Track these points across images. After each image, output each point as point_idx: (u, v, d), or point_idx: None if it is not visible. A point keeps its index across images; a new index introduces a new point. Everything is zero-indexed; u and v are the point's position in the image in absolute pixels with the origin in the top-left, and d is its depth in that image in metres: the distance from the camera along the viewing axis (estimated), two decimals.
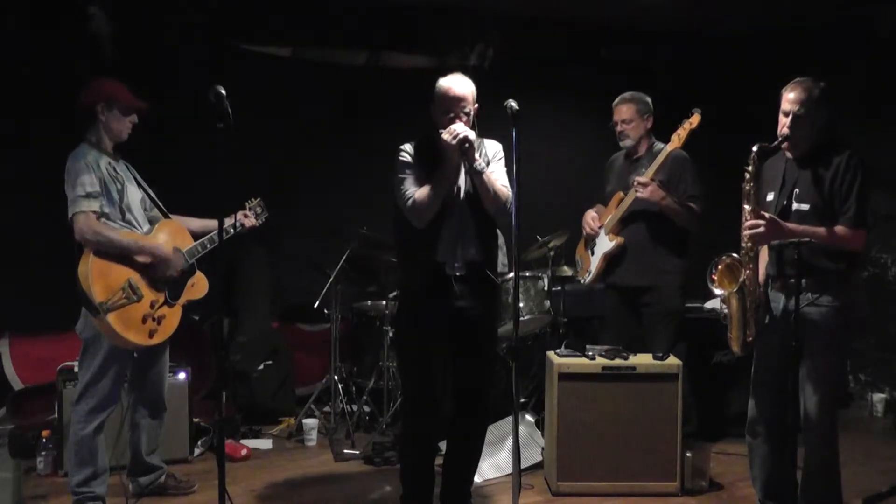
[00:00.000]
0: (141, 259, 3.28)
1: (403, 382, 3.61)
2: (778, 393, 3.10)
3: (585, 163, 5.65)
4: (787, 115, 3.03)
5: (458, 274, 3.15)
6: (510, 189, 3.12)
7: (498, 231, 4.94)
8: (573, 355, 3.77)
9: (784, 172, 3.14)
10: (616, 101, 4.12)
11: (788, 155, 3.13)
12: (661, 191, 3.88)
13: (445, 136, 3.00)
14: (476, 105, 3.14)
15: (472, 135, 3.01)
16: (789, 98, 3.03)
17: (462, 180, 3.17)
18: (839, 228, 2.95)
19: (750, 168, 3.04)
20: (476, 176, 3.08)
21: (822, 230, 2.94)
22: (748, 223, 3.01)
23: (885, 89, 5.24)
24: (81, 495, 3.30)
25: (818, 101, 3.00)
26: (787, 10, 5.39)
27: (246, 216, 3.72)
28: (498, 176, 3.17)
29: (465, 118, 3.07)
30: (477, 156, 3.07)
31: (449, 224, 3.13)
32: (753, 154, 3.04)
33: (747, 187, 3.05)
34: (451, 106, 3.06)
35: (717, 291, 3.12)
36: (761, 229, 2.96)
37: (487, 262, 3.22)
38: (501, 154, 3.25)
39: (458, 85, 3.09)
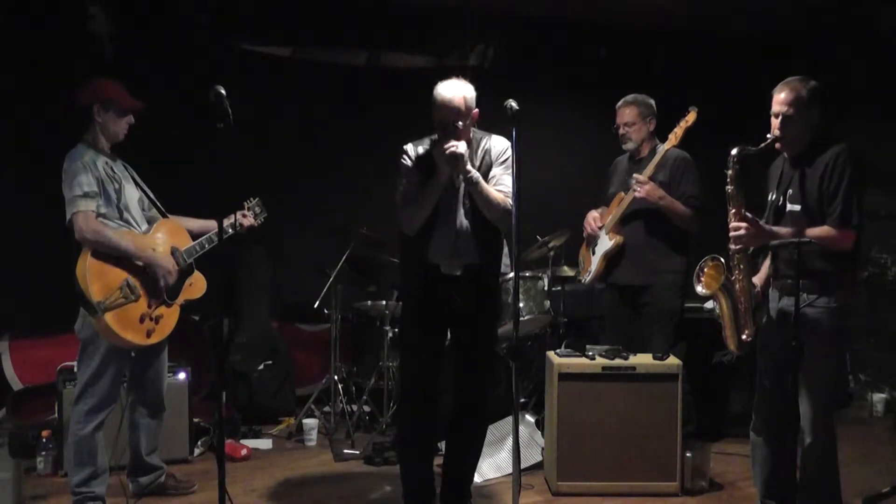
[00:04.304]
0: (138, 263, 3.29)
1: (401, 382, 3.61)
2: (778, 392, 3.11)
3: (585, 163, 5.67)
4: (777, 116, 3.03)
5: (456, 274, 3.14)
6: (509, 193, 3.08)
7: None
8: (573, 355, 3.77)
9: (782, 172, 3.15)
10: (619, 103, 4.12)
11: (786, 155, 3.13)
12: (660, 190, 3.88)
13: (436, 151, 3.02)
14: (476, 110, 3.12)
15: (461, 148, 2.98)
16: (778, 99, 3.02)
17: (459, 188, 3.15)
18: (824, 229, 2.93)
19: (730, 172, 3.05)
20: (471, 186, 3.08)
21: (808, 232, 2.93)
22: (731, 226, 3.04)
23: (885, 89, 5.24)
24: (81, 495, 3.29)
25: (808, 100, 2.98)
26: (788, 10, 5.39)
27: (244, 216, 3.71)
28: (499, 180, 3.14)
29: (458, 130, 3.04)
30: (469, 167, 3.05)
31: (446, 226, 3.13)
32: (733, 157, 3.05)
33: (729, 190, 3.06)
34: (444, 118, 3.04)
35: (702, 291, 3.16)
36: (742, 231, 2.99)
37: (487, 264, 3.21)
38: (506, 155, 3.18)
39: (452, 95, 3.04)
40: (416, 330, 3.23)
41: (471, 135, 3.17)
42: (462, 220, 3.15)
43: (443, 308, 3.17)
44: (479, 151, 3.19)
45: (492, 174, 3.16)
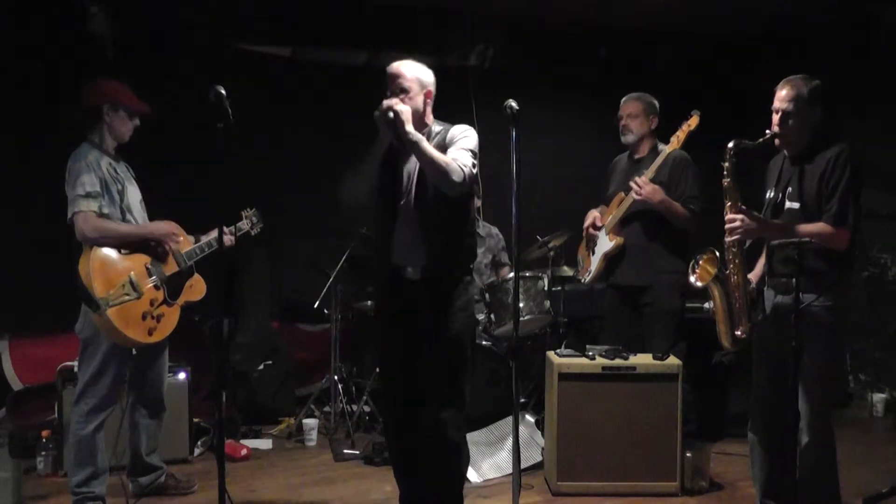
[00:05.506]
0: (144, 243, 3.31)
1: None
2: (775, 392, 3.10)
3: (585, 163, 5.66)
4: (777, 112, 3.05)
5: (418, 278, 3.03)
6: (464, 163, 2.96)
7: (495, 231, 4.99)
8: (573, 355, 3.77)
9: (781, 170, 3.16)
10: (624, 98, 4.14)
11: (786, 152, 3.14)
12: (659, 192, 3.88)
13: (376, 115, 2.92)
14: (429, 90, 3.09)
15: (399, 106, 2.90)
16: (780, 95, 3.04)
17: (412, 182, 3.05)
18: (819, 225, 2.94)
19: (726, 165, 3.07)
20: (413, 147, 2.93)
21: (803, 227, 2.94)
22: (726, 219, 3.05)
23: (885, 89, 5.23)
24: (81, 495, 3.30)
25: (809, 99, 3.00)
26: (787, 9, 5.39)
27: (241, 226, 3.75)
28: (454, 155, 2.98)
29: (401, 94, 3.00)
30: (411, 128, 2.91)
31: (401, 227, 3.03)
32: (730, 150, 3.06)
33: (725, 183, 3.07)
34: (388, 84, 3.04)
35: (695, 282, 3.18)
36: (737, 223, 3.00)
37: (445, 266, 3.05)
38: (465, 135, 3.06)
39: (398, 65, 3.07)
40: (381, 333, 3.17)
41: (428, 119, 3.10)
42: (415, 220, 3.02)
43: (405, 312, 3.06)
44: (436, 138, 3.07)
45: (448, 153, 3.00)
